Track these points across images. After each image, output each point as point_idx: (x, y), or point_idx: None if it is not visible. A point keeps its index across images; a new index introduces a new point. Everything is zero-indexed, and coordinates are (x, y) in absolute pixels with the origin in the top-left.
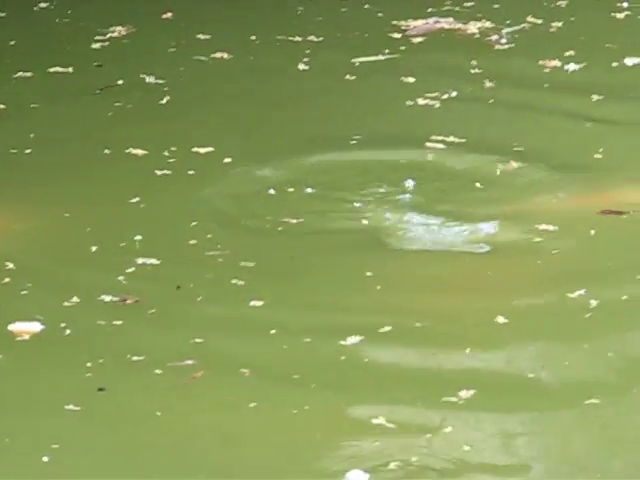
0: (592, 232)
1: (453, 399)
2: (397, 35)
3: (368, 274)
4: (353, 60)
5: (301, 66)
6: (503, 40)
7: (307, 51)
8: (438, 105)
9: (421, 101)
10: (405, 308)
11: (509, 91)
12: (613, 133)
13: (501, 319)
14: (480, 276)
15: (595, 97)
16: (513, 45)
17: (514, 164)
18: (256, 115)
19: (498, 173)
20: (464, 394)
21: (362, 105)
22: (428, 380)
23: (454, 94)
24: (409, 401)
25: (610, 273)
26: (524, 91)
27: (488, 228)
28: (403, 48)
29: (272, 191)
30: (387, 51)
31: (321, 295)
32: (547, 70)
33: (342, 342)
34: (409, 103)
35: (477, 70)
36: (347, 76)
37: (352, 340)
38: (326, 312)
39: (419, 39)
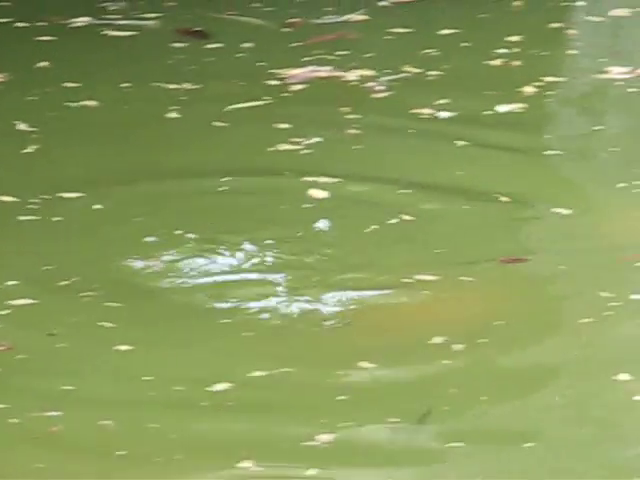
0: (471, 279)
1: (313, 443)
2: (275, 82)
3: (228, 320)
4: (227, 108)
5: (172, 114)
6: (380, 88)
7: (181, 99)
8: (304, 151)
9: (284, 147)
10: (274, 355)
11: (375, 138)
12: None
13: (365, 364)
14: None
15: (460, 142)
16: (389, 93)
17: (406, 217)
18: (124, 162)
19: (378, 227)
20: (324, 438)
21: (230, 151)
22: (291, 424)
23: (317, 140)
24: (274, 444)
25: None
26: (389, 138)
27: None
28: (280, 96)
29: (149, 239)
30: (264, 99)
31: (191, 341)
32: (419, 118)
33: (210, 388)
34: (271, 149)
35: (349, 117)
36: (217, 123)
37: (220, 387)
38: (196, 358)
39: (298, 87)
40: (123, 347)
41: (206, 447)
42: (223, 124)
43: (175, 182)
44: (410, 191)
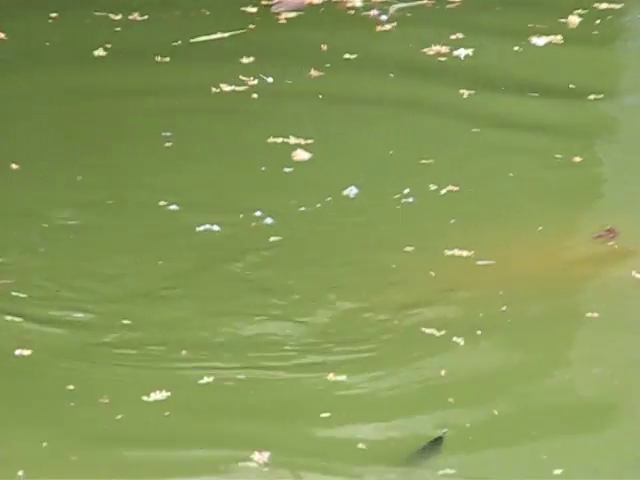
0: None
1: (251, 464)
2: (253, 9)
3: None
4: (179, 41)
5: (99, 51)
6: (384, 17)
7: (116, 30)
8: (255, 96)
9: (227, 88)
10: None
11: (342, 85)
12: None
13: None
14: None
15: (465, 92)
16: (395, 24)
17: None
18: (46, 109)
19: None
20: (258, 457)
21: (167, 92)
22: (225, 442)
23: (270, 80)
24: (208, 462)
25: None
26: (368, 85)
27: None
28: (256, 25)
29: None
30: (234, 28)
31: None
32: (430, 55)
33: (145, 398)
34: (215, 90)
35: (327, 53)
36: (158, 58)
37: (157, 396)
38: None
39: (291, 15)
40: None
41: (135, 468)
42: (162, 59)
43: (97, 131)
44: (431, 161)
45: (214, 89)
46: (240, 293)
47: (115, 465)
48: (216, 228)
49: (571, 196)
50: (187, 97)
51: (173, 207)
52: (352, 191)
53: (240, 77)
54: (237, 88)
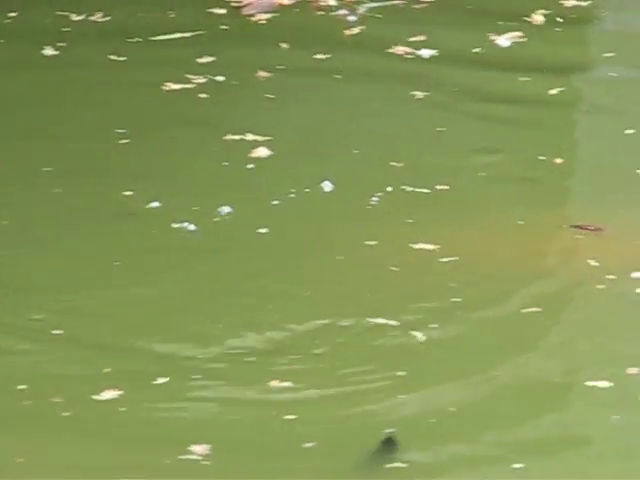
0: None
1: (191, 457)
2: (221, 11)
3: None
4: (133, 39)
5: (49, 50)
6: (352, 18)
7: (64, 29)
8: (204, 95)
9: (175, 86)
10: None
11: (300, 84)
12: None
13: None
14: None
15: (430, 92)
16: (364, 26)
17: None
18: None
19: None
20: (198, 449)
21: (116, 94)
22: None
23: (221, 79)
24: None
25: None
26: (325, 86)
27: None
28: (223, 26)
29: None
30: (197, 29)
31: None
32: (395, 55)
33: (96, 397)
34: (165, 88)
35: (287, 53)
36: (113, 57)
37: (108, 394)
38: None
39: (263, 16)
40: None
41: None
42: (117, 57)
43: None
44: (400, 163)
45: (163, 87)
46: (208, 292)
47: (65, 465)
48: (190, 226)
49: (542, 195)
50: (138, 94)
51: (151, 205)
52: (327, 186)
53: (186, 75)
54: (186, 86)
